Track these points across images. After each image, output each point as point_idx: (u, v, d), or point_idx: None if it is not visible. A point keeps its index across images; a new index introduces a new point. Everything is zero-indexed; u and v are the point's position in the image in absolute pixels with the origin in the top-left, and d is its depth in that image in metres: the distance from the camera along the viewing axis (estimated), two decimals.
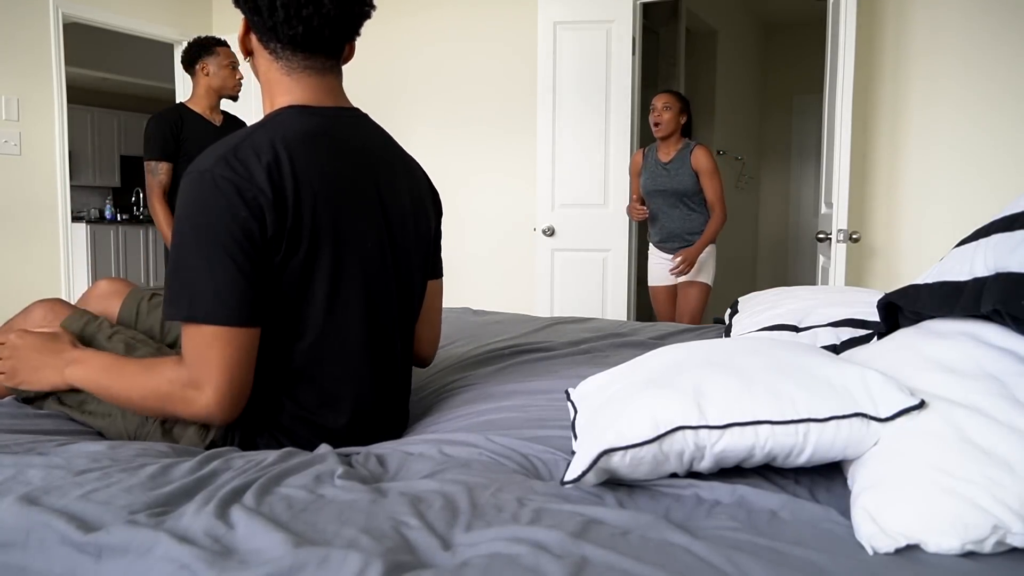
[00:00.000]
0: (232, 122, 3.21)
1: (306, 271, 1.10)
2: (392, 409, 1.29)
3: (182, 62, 3.11)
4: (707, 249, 3.21)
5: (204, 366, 1.04)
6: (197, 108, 3.08)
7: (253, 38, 1.16)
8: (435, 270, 1.40)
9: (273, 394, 1.15)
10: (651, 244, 3.39)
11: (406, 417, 1.36)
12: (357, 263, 1.14)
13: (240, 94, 3.14)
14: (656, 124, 3.20)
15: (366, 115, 1.25)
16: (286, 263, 1.08)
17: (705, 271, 3.23)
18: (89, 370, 1.17)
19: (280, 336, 1.12)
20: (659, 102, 3.21)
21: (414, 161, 1.33)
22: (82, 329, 1.34)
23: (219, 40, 3.10)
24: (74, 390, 1.23)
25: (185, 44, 3.15)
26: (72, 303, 1.49)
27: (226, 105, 3.21)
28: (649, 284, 3.41)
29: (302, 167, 1.08)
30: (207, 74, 3.06)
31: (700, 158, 3.15)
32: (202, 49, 3.05)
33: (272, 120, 1.13)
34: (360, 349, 1.18)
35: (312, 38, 1.11)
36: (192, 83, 3.11)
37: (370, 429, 1.23)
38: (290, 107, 1.14)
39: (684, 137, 3.25)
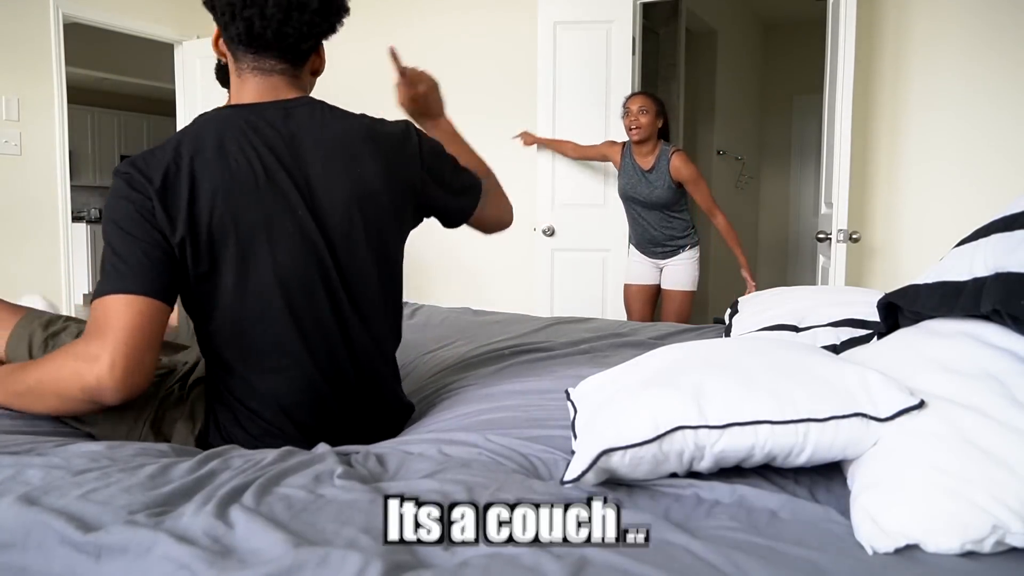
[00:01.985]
0: None
1: (212, 261, 1.13)
2: (359, 398, 1.26)
3: (218, 80, 2.94)
4: (692, 256, 3.21)
5: (101, 333, 1.04)
6: None
7: (223, 41, 1.22)
8: (464, 212, 1.37)
9: (224, 377, 1.20)
10: (631, 244, 3.38)
11: (397, 408, 1.35)
12: (268, 253, 1.14)
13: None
14: (631, 128, 3.10)
15: (309, 103, 1.22)
16: (193, 253, 1.12)
17: (690, 280, 3.23)
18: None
19: (209, 325, 1.17)
20: (634, 105, 3.10)
21: (365, 137, 1.23)
22: (44, 328, 1.35)
23: None
24: None
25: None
26: (10, 301, 1.45)
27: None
28: (625, 281, 3.39)
29: (202, 164, 1.12)
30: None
31: (679, 167, 3.06)
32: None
33: (195, 121, 1.19)
34: (284, 341, 1.17)
35: (255, 38, 1.16)
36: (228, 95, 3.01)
37: (338, 419, 1.23)
38: (219, 108, 1.20)
39: (660, 140, 3.17)
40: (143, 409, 1.22)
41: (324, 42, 1.25)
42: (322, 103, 1.24)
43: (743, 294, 2.06)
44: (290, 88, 1.22)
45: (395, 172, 1.24)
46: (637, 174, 3.19)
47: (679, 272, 3.23)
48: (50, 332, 1.37)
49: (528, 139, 3.57)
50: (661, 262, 3.29)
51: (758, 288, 2.56)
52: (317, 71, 1.28)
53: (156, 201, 1.09)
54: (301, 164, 1.17)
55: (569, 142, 3.46)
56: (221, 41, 1.22)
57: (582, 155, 3.44)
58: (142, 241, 1.08)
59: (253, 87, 1.21)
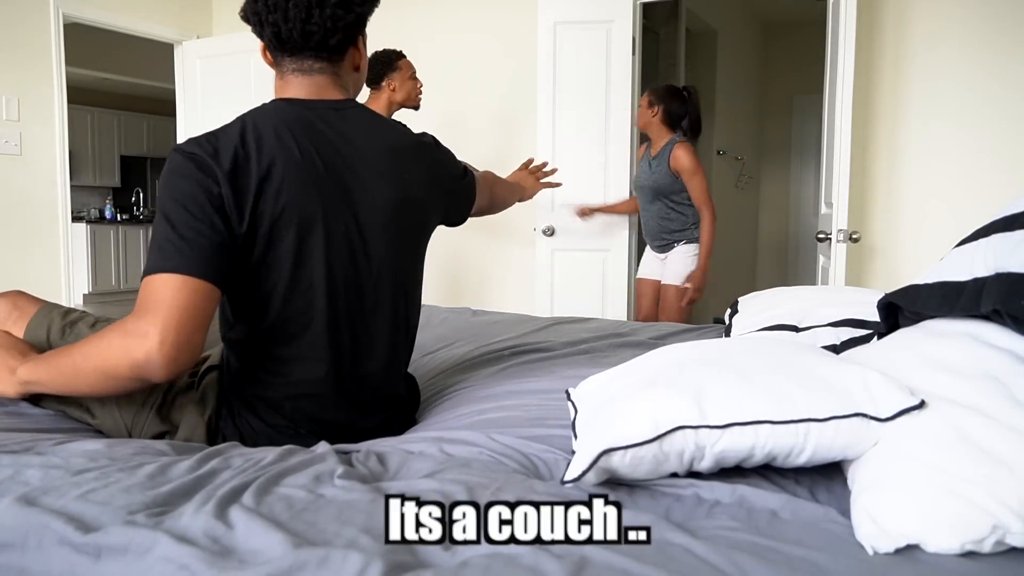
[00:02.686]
0: None
1: (268, 250, 1.13)
2: (379, 398, 1.29)
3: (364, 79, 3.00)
4: (687, 251, 3.17)
5: (152, 310, 1.02)
6: None
7: (268, 51, 1.25)
8: (473, 192, 1.49)
9: (251, 368, 1.20)
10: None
11: (406, 407, 1.36)
12: (321, 248, 1.16)
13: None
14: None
15: (358, 107, 1.27)
16: (250, 241, 1.12)
17: (680, 275, 3.20)
18: (38, 362, 1.16)
19: (247, 313, 1.17)
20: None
21: (413, 147, 1.31)
22: (63, 318, 1.35)
23: (398, 52, 3.03)
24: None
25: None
26: (32, 295, 1.46)
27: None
28: (637, 275, 3.44)
29: (269, 150, 1.13)
30: (393, 90, 2.99)
31: (679, 157, 3.07)
32: (386, 67, 2.98)
33: (254, 110, 1.20)
34: (322, 333, 1.19)
35: (284, 41, 1.19)
36: (371, 94, 3.02)
37: (354, 415, 1.24)
38: (275, 100, 1.22)
39: (673, 130, 3.18)
40: (150, 394, 1.22)
41: (362, 36, 1.28)
42: (370, 110, 1.29)
43: (743, 294, 2.05)
44: (334, 88, 1.25)
45: (435, 182, 1.33)
46: (645, 161, 3.26)
47: (672, 265, 3.21)
48: (68, 320, 1.39)
49: (585, 211, 3.42)
50: (661, 255, 3.29)
51: (758, 288, 2.56)
52: (359, 67, 1.30)
53: (225, 185, 1.09)
54: (351, 165, 1.21)
55: (624, 202, 3.40)
56: (266, 51, 1.25)
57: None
58: (203, 223, 1.07)
59: (297, 87, 1.23)
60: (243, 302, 1.18)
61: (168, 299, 1.03)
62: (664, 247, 3.25)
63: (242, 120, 1.17)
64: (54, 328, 1.36)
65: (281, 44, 1.20)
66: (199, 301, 1.05)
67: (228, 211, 1.09)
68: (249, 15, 1.20)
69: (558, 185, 2.17)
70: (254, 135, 1.14)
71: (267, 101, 1.23)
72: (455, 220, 1.48)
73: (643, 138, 3.42)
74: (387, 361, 1.28)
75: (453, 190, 1.41)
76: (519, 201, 1.86)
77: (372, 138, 1.25)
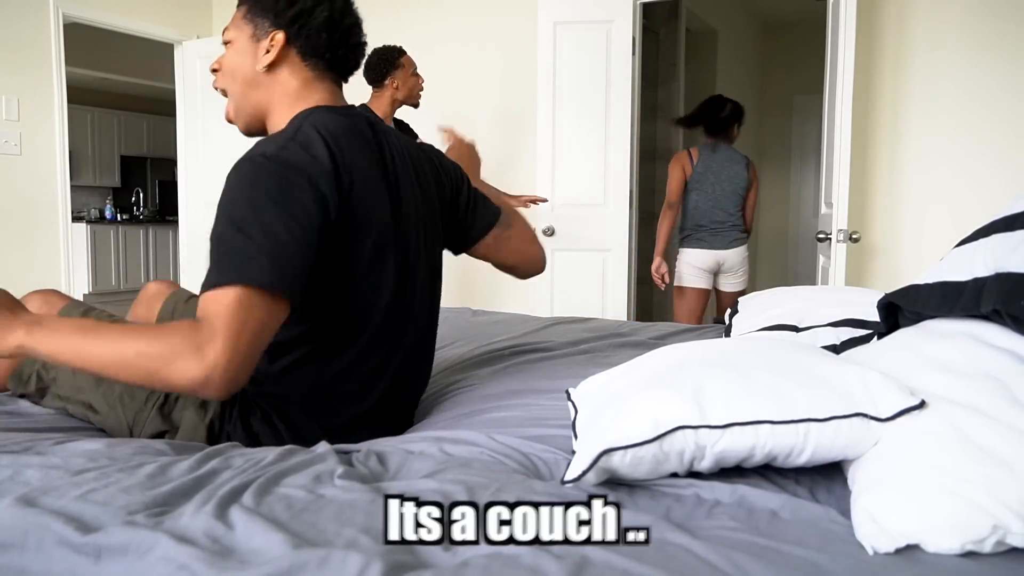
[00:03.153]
0: (402, 128, 3.16)
1: (346, 258, 1.13)
2: (402, 406, 1.32)
3: (367, 77, 3.01)
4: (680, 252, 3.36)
5: (221, 331, 0.94)
6: (380, 115, 2.95)
7: (290, 51, 1.21)
8: (488, 216, 1.45)
9: (278, 378, 1.17)
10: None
11: (411, 414, 1.37)
12: (387, 254, 1.18)
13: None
14: None
15: (373, 116, 1.30)
16: (333, 246, 1.10)
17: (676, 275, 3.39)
18: (59, 329, 1.01)
19: (303, 315, 1.13)
20: None
21: (423, 154, 1.36)
22: (82, 315, 1.36)
23: (400, 49, 3.03)
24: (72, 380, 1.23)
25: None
26: (66, 294, 1.50)
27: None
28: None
29: (348, 158, 1.13)
30: (396, 87, 2.99)
31: None
32: (388, 64, 2.97)
33: (310, 117, 1.17)
34: (376, 341, 1.21)
35: (342, 64, 1.23)
36: (373, 92, 3.02)
37: (374, 425, 1.24)
38: (318, 108, 1.20)
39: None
40: (153, 391, 1.21)
41: None
42: (372, 116, 1.30)
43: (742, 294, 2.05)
44: (343, 96, 1.27)
45: (443, 190, 1.35)
46: None
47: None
48: (189, 306, 1.43)
49: (660, 272, 3.33)
50: None
51: (758, 288, 2.57)
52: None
53: (328, 180, 1.06)
54: (394, 174, 1.22)
55: (664, 224, 3.37)
56: (293, 50, 1.20)
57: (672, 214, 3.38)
58: (299, 234, 1.01)
59: (328, 91, 1.23)
60: (308, 307, 1.12)
61: (238, 319, 0.95)
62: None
63: (313, 127, 1.13)
64: (179, 306, 1.43)
65: (338, 65, 1.22)
66: (273, 321, 0.99)
67: (329, 206, 1.06)
68: (328, 30, 1.19)
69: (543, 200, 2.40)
70: (333, 141, 1.11)
71: (312, 109, 1.20)
72: (458, 240, 1.45)
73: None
74: (423, 366, 1.35)
75: (457, 205, 1.40)
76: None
77: (398, 147, 1.27)
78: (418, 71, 3.06)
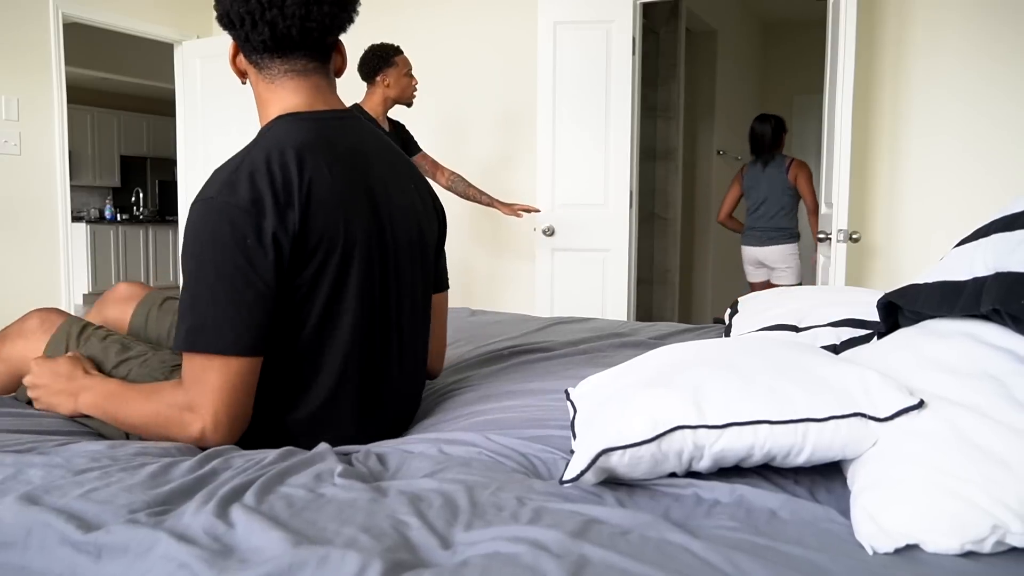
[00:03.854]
0: (398, 129, 3.17)
1: (312, 283, 1.11)
2: (396, 416, 1.29)
3: (360, 73, 3.01)
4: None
5: (200, 392, 1.05)
6: (372, 114, 3.00)
7: (241, 57, 1.19)
8: (439, 282, 1.41)
9: (270, 403, 1.15)
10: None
11: (412, 414, 1.37)
12: (356, 270, 1.14)
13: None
14: None
15: (358, 116, 1.25)
16: (293, 279, 1.09)
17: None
18: (96, 398, 1.18)
19: (276, 347, 1.13)
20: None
21: (405, 157, 1.33)
22: (78, 336, 1.34)
23: (396, 48, 3.02)
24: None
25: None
26: (66, 311, 1.49)
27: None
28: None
29: (302, 179, 1.08)
30: (387, 85, 2.98)
31: None
32: (382, 61, 2.97)
33: (266, 135, 1.14)
34: (353, 358, 1.17)
35: (282, 40, 1.13)
36: (367, 89, 3.03)
37: (371, 434, 1.23)
38: (280, 117, 1.16)
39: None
40: None
41: (342, 39, 1.24)
42: (363, 119, 1.26)
43: (743, 294, 2.06)
44: (330, 92, 1.21)
45: (424, 195, 1.32)
46: None
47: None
48: (163, 310, 1.47)
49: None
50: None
51: (757, 289, 2.59)
52: (340, 71, 1.26)
53: (272, 226, 1.04)
54: (371, 180, 1.19)
55: (730, 221, 4.12)
56: (240, 58, 1.19)
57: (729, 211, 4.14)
58: (249, 291, 1.04)
59: (293, 90, 1.17)
60: (277, 338, 1.13)
61: (214, 381, 1.04)
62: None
63: (263, 151, 1.10)
64: (70, 347, 1.36)
65: (276, 43, 1.13)
66: (243, 378, 1.06)
67: (278, 259, 1.05)
68: (237, 15, 1.11)
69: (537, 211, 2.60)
70: (280, 165, 1.08)
71: (273, 122, 1.16)
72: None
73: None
74: (412, 378, 1.30)
75: (441, 221, 1.39)
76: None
77: (379, 149, 1.24)
78: (413, 72, 3.06)
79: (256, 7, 1.10)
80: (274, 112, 1.17)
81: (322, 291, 1.12)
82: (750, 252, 3.98)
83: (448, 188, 3.34)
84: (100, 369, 1.28)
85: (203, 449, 1.11)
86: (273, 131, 1.14)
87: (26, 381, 1.25)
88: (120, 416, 1.15)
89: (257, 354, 1.07)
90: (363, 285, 1.15)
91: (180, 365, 1.21)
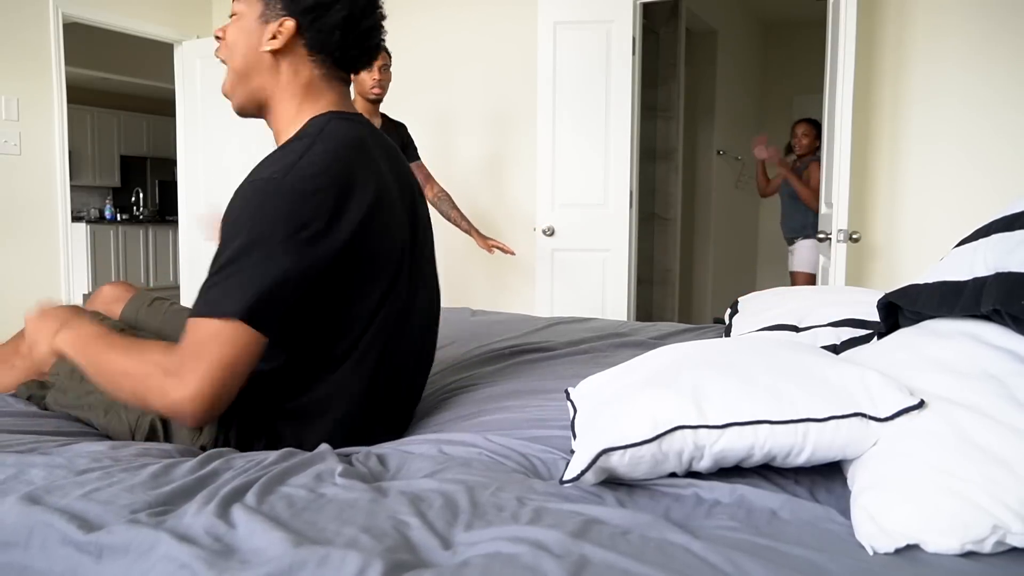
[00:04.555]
0: (390, 125, 3.12)
1: (364, 281, 1.10)
2: (403, 408, 1.31)
3: None
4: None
5: (196, 359, 0.98)
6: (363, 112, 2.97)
7: (299, 41, 1.15)
8: None
9: (277, 403, 1.14)
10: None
11: (411, 414, 1.37)
12: (407, 275, 1.17)
13: (383, 98, 2.97)
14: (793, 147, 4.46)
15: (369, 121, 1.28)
16: (348, 273, 1.08)
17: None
18: (77, 337, 1.11)
19: (310, 342, 1.11)
20: (799, 129, 4.39)
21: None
22: (148, 304, 1.41)
23: None
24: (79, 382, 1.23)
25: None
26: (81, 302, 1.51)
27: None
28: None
29: (361, 177, 1.09)
30: (355, 80, 2.91)
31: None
32: None
33: (324, 128, 1.12)
34: (387, 356, 1.19)
35: (359, 66, 1.19)
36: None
37: (379, 431, 1.23)
38: (329, 114, 1.16)
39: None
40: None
41: None
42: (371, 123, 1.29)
43: (743, 294, 2.06)
44: (350, 99, 1.24)
45: (422, 196, 1.33)
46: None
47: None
48: (151, 310, 1.48)
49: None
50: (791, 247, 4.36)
51: (758, 288, 2.59)
52: None
53: (341, 202, 1.04)
54: (401, 184, 1.21)
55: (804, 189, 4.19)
56: (300, 42, 1.15)
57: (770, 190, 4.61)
58: (292, 271, 1.00)
59: (340, 94, 1.19)
60: (320, 330, 1.10)
61: (215, 350, 0.98)
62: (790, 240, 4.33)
63: (323, 144, 1.08)
64: (142, 310, 1.42)
65: (346, 63, 1.17)
66: (246, 354, 1.00)
67: (329, 247, 1.03)
68: (345, 29, 1.13)
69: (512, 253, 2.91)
70: (350, 156, 1.08)
71: (327, 118, 1.15)
72: None
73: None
74: (424, 372, 1.34)
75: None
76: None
77: (395, 153, 1.25)
78: (384, 69, 2.92)
79: (365, 33, 1.16)
80: (310, 104, 1.17)
81: (375, 291, 1.12)
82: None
83: (432, 203, 3.23)
84: None
85: (166, 423, 1.14)
86: (332, 126, 1.13)
87: (25, 319, 1.22)
88: (95, 361, 1.07)
89: (265, 330, 1.01)
90: (402, 285, 1.17)
91: None
